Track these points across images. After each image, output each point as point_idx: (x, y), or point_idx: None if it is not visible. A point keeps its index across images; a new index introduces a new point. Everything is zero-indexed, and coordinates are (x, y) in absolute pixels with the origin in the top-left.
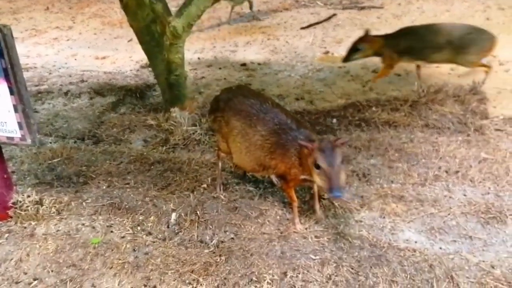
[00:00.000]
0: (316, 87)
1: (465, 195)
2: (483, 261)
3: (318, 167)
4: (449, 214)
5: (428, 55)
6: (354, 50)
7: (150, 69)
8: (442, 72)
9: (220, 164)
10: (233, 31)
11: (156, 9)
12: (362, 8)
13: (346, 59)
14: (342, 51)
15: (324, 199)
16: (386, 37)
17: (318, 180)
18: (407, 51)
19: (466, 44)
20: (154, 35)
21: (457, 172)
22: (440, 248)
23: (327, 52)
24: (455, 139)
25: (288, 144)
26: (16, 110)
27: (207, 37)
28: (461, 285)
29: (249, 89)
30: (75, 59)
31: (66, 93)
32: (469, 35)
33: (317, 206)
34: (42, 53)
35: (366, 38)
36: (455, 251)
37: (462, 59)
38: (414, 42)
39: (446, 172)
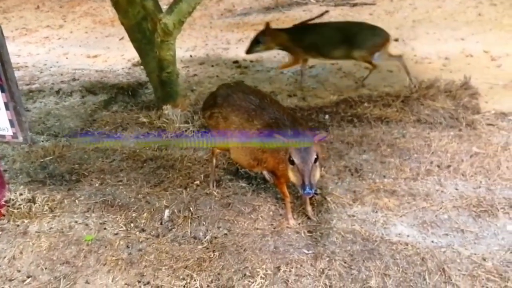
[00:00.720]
0: (309, 83)
1: (456, 189)
2: (475, 254)
3: (292, 162)
4: (441, 208)
5: (328, 52)
6: (256, 43)
7: (142, 67)
8: (434, 67)
9: (214, 160)
10: (225, 28)
11: (147, 6)
12: (354, 5)
13: (249, 51)
14: None
15: (317, 194)
16: (289, 31)
17: (291, 176)
18: (310, 47)
19: (360, 40)
20: (145, 33)
21: (449, 166)
22: (432, 241)
23: None
24: (447, 134)
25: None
26: (7, 108)
27: (199, 34)
28: (453, 278)
29: (247, 86)
30: (67, 58)
31: (57, 92)
32: (363, 32)
33: (308, 207)
34: (33, 52)
35: (266, 31)
36: (447, 245)
37: (357, 54)
38: (316, 40)
39: (438, 166)
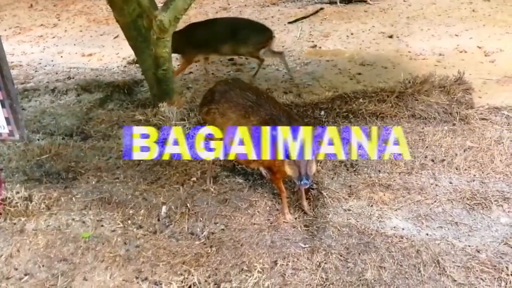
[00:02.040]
0: (304, 80)
1: (451, 183)
2: (469, 246)
3: (288, 156)
4: (435, 202)
5: (217, 48)
6: None
7: (137, 65)
8: (428, 63)
9: None
10: None
11: (142, 4)
12: (349, 2)
13: None
14: (330, 45)
15: (313, 189)
16: (176, 33)
17: (288, 170)
18: (200, 45)
19: (245, 37)
20: (141, 30)
21: (443, 160)
22: (427, 234)
23: (314, 46)
24: (441, 129)
25: None
26: (3, 106)
27: None
28: (448, 269)
29: (244, 83)
30: (61, 57)
31: (53, 90)
32: (248, 28)
33: (304, 202)
34: (27, 51)
35: None
36: (441, 237)
37: (243, 50)
38: (204, 36)
39: (432, 160)
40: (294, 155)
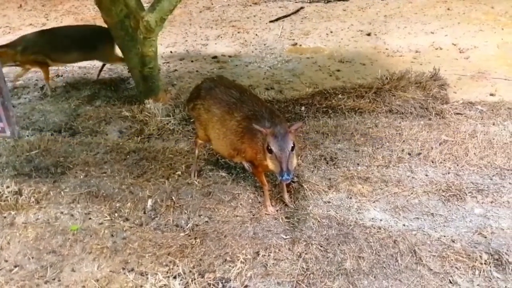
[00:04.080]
0: (285, 77)
1: (427, 175)
2: (444, 236)
3: (270, 151)
4: (412, 193)
5: (61, 56)
6: None
7: (124, 63)
8: (405, 60)
9: (196, 151)
10: (204, 25)
11: (130, 5)
12: (329, 1)
13: None
14: (310, 42)
15: (294, 182)
16: (12, 46)
17: (270, 164)
18: (44, 54)
19: (96, 43)
20: (128, 30)
21: (419, 154)
22: (404, 225)
23: (295, 44)
24: (417, 123)
25: (256, 130)
26: None
27: (179, 31)
28: (424, 259)
29: (229, 80)
30: None
31: (42, 88)
32: (95, 35)
33: (285, 195)
34: None
35: None
36: (418, 228)
37: (99, 56)
38: (47, 45)
39: (409, 154)
40: (275, 150)
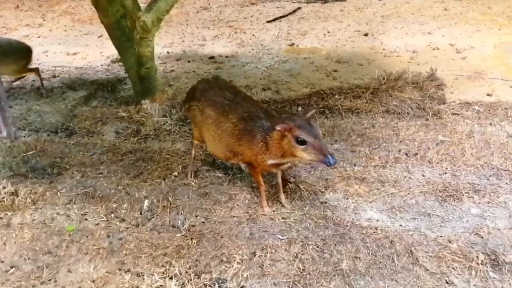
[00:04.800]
0: (282, 77)
1: (423, 176)
2: (441, 236)
3: (303, 142)
4: (408, 194)
5: None
6: None
7: (120, 63)
8: (402, 60)
9: (193, 151)
10: (201, 25)
11: (126, 5)
12: (326, 1)
13: None
14: (307, 43)
15: (290, 182)
16: None
17: (306, 155)
18: None
19: (2, 56)
20: (125, 30)
21: (416, 154)
22: (400, 225)
23: (292, 44)
24: (414, 124)
25: (255, 131)
26: None
27: (176, 32)
28: (420, 259)
29: (224, 81)
30: (46, 56)
31: (38, 89)
32: (2, 48)
33: (282, 196)
34: None
35: None
36: (415, 228)
37: (4, 69)
38: None
39: (406, 154)
40: (310, 140)
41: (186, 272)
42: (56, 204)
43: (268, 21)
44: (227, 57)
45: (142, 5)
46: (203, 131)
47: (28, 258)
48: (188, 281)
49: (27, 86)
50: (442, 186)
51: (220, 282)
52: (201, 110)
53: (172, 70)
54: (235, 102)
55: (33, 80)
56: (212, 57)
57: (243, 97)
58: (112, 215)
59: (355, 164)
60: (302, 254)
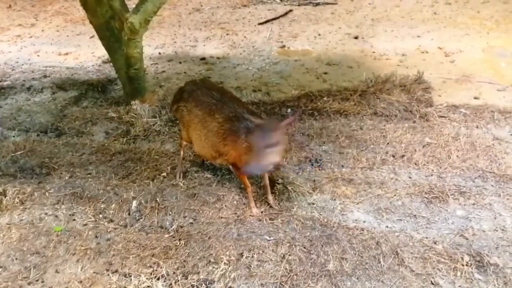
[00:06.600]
0: (273, 79)
1: (410, 177)
2: (426, 238)
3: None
4: (395, 195)
5: None
6: None
7: (111, 64)
8: (391, 63)
9: (181, 153)
10: (193, 27)
11: (114, 6)
12: (317, 4)
13: None
14: (298, 45)
15: (278, 184)
16: None
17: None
18: None
19: None
20: (114, 31)
21: (403, 156)
22: (387, 226)
23: (283, 47)
24: (401, 126)
25: (240, 132)
26: None
27: (167, 33)
28: (406, 260)
29: (211, 83)
30: (38, 56)
31: (28, 88)
32: None
33: (270, 197)
34: (5, 50)
35: None
36: (401, 229)
37: None
38: None
39: (393, 156)
40: None
41: (174, 272)
42: (44, 204)
43: (259, 23)
44: (218, 58)
45: (131, 7)
46: (191, 131)
47: (16, 259)
48: (175, 282)
49: (17, 86)
50: (428, 188)
51: (207, 283)
52: (189, 110)
53: (164, 71)
54: (222, 102)
55: (24, 80)
56: (203, 59)
57: (230, 97)
58: (100, 215)
59: (342, 166)
60: (289, 255)
